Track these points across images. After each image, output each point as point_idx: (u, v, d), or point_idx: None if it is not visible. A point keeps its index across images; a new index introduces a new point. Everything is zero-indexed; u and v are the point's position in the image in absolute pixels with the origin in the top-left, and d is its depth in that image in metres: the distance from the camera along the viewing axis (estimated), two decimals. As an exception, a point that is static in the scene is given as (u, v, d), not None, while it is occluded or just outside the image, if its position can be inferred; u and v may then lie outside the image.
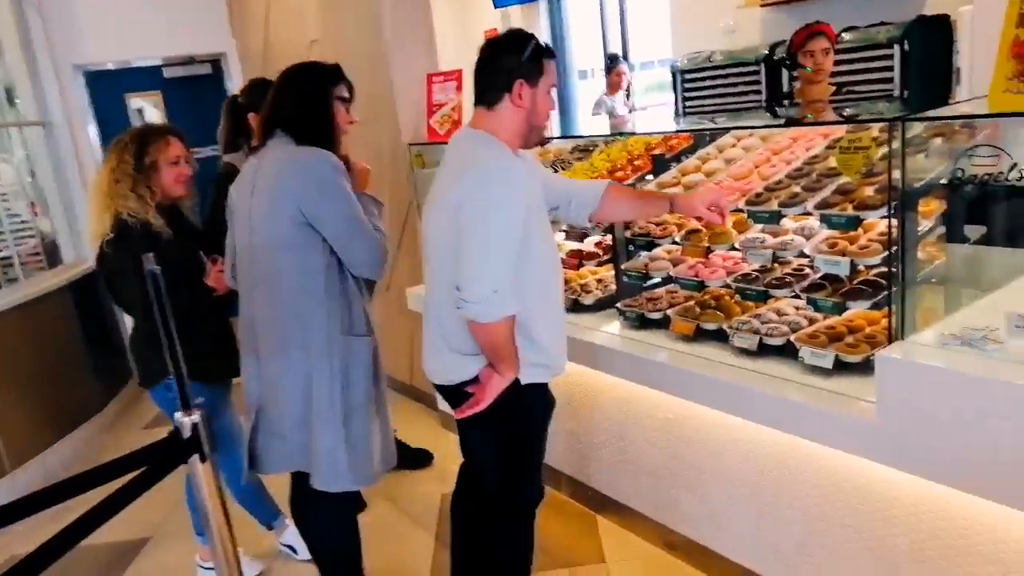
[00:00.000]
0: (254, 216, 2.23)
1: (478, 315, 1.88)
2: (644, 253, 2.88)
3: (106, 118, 5.42)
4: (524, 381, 2.02)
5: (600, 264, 3.18)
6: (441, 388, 2.15)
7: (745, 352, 2.38)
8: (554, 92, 2.08)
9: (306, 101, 2.24)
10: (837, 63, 3.38)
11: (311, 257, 2.20)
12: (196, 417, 1.52)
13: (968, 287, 2.08)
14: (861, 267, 2.18)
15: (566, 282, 3.21)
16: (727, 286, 2.58)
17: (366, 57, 3.93)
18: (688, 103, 4.98)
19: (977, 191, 1.91)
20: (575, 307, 3.05)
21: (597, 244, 3.23)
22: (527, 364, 2.00)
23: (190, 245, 2.59)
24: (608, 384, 2.83)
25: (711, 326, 2.53)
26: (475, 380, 2.00)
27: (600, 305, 3.00)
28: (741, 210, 2.48)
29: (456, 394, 2.06)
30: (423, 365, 2.16)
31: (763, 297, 2.40)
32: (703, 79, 4.81)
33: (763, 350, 2.35)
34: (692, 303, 2.67)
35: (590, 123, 5.65)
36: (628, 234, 2.87)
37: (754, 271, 2.51)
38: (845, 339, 2.16)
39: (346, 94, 2.32)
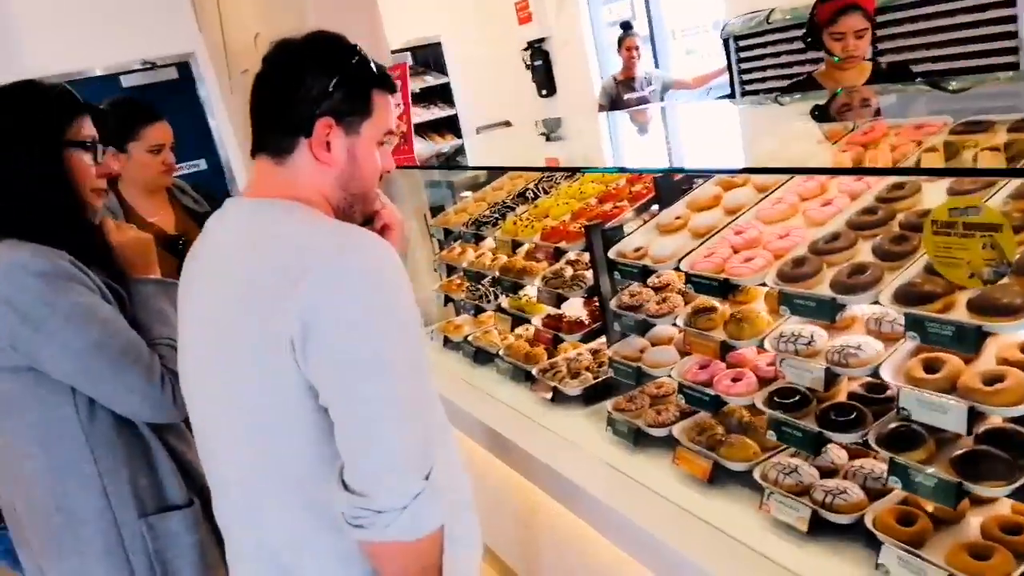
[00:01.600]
0: None
1: (404, 530, 1.06)
2: (635, 336, 1.94)
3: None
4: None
5: (587, 338, 2.25)
6: None
7: (787, 526, 1.45)
8: (389, 141, 1.23)
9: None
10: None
11: (55, 411, 1.41)
12: None
13: None
14: (992, 415, 1.21)
15: (539, 360, 2.32)
16: (754, 407, 1.63)
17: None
18: (745, 76, 3.90)
19: None
20: (555, 398, 2.17)
21: (586, 303, 2.30)
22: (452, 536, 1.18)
23: None
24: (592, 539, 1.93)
25: (738, 466, 1.61)
26: None
27: (591, 396, 2.10)
28: (766, 284, 1.53)
29: None
30: None
31: (813, 445, 1.45)
32: (761, 44, 3.72)
33: (818, 526, 1.42)
34: (710, 420, 1.74)
35: (591, 122, 4.54)
36: (615, 305, 1.95)
37: (798, 390, 1.55)
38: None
39: (92, 132, 1.47)
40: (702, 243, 1.78)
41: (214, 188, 5.47)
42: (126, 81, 4.91)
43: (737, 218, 1.84)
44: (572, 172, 2.54)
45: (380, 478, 1.04)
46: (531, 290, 2.41)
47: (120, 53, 4.83)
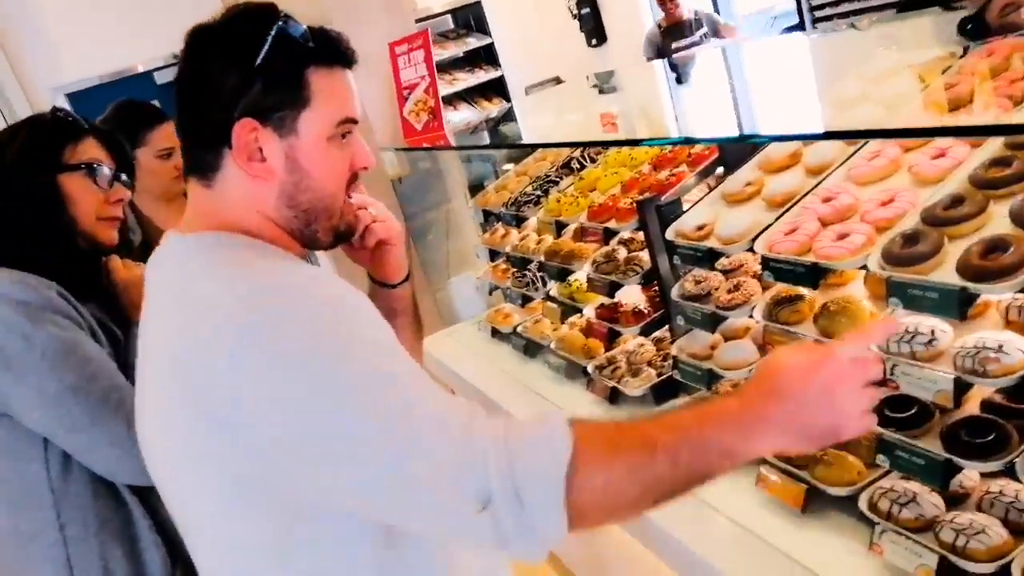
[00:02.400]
0: None
1: (523, 540, 0.77)
2: (705, 332, 1.63)
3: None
4: None
5: (647, 329, 1.94)
6: None
7: (902, 573, 1.16)
8: (356, 134, 0.95)
9: None
10: None
11: (25, 466, 1.23)
12: None
13: None
14: None
15: (595, 353, 2.04)
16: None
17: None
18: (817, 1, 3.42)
19: None
20: (613, 399, 1.91)
21: (645, 288, 1.99)
22: None
23: None
24: None
25: (838, 491, 1.31)
26: None
27: (657, 395, 1.82)
28: (868, 269, 1.20)
29: None
30: None
31: (941, 475, 1.13)
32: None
33: (946, 572, 1.12)
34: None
35: (639, 74, 4.09)
36: (677, 295, 1.65)
37: (916, 399, 1.22)
38: None
39: (95, 155, 1.33)
40: (781, 215, 1.46)
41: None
42: (160, 78, 4.78)
43: (823, 180, 1.50)
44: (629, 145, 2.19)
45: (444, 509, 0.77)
46: (582, 275, 2.13)
47: (151, 49, 4.71)
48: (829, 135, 1.46)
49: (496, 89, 6.87)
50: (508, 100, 6.71)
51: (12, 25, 4.48)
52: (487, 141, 6.70)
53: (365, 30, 2.68)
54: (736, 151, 1.78)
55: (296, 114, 0.88)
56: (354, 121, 0.93)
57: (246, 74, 0.86)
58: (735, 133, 1.69)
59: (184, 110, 0.90)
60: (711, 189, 1.80)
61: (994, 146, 1.26)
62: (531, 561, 0.78)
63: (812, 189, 1.47)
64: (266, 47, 0.85)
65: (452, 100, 6.65)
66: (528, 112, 5.89)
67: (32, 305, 1.20)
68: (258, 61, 0.85)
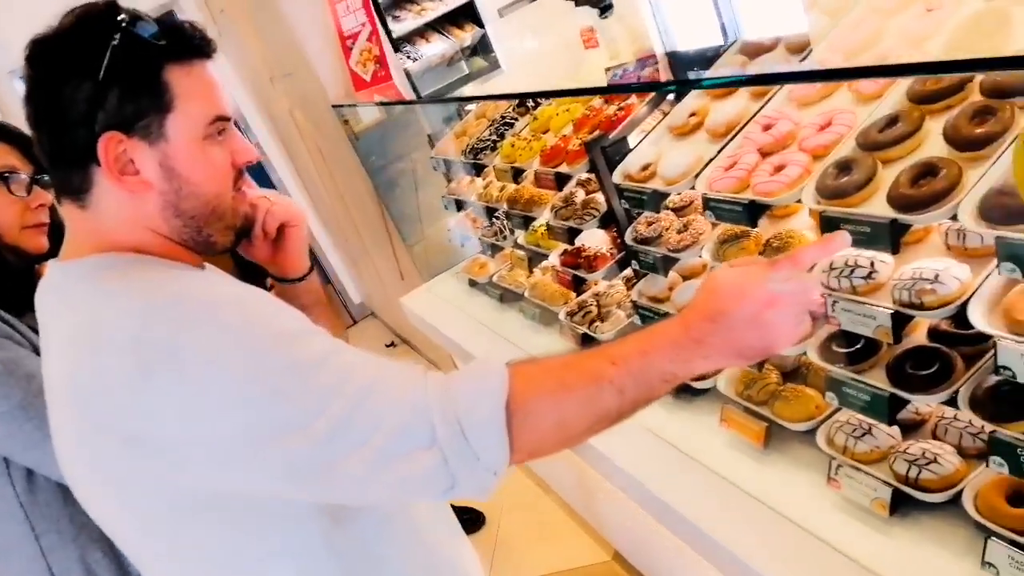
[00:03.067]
0: None
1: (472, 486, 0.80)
2: (658, 274, 1.59)
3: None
4: None
5: (619, 268, 1.90)
6: None
7: (858, 506, 1.16)
8: (232, 128, 0.89)
9: None
10: None
11: None
12: None
13: None
14: None
15: (567, 299, 2.02)
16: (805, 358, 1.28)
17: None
18: None
19: None
20: (585, 343, 1.89)
21: (608, 229, 1.94)
22: None
23: None
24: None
25: (797, 426, 1.30)
26: None
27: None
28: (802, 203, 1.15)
29: None
30: None
31: (886, 410, 1.10)
32: None
33: (903, 502, 1.12)
34: (764, 372, 1.41)
35: None
36: (630, 238, 1.60)
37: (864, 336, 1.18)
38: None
39: (6, 163, 1.27)
40: (721, 149, 1.40)
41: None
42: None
43: (766, 104, 1.43)
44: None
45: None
46: (544, 220, 2.08)
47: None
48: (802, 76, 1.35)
49: (468, 15, 6.61)
50: (481, 25, 6.45)
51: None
52: (464, 72, 6.46)
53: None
54: (689, 67, 1.69)
55: (162, 119, 0.83)
56: (226, 118, 0.88)
57: (98, 85, 0.79)
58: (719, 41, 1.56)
59: (40, 130, 0.84)
60: (664, 116, 1.72)
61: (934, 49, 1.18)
62: (481, 497, 0.80)
63: (753, 117, 1.40)
64: (112, 52, 0.79)
65: (424, 32, 6.39)
66: (503, 37, 5.66)
67: None
68: (106, 69, 0.79)
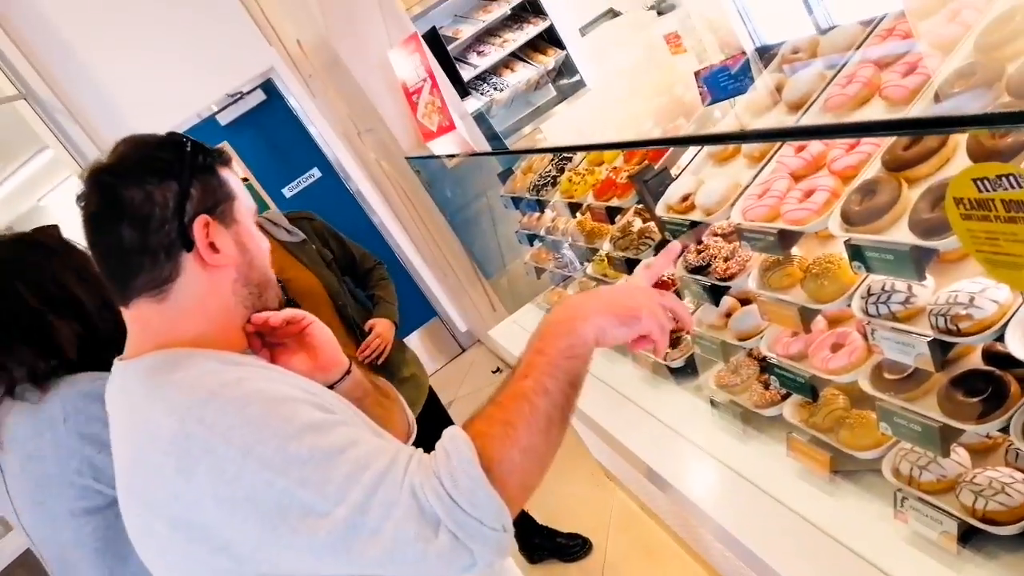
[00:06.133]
0: None
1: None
2: (708, 302, 1.56)
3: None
4: None
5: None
6: None
7: (927, 540, 1.09)
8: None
9: None
10: None
11: None
12: None
13: None
14: None
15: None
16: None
17: (326, 55, 2.91)
18: None
19: None
20: (655, 371, 1.89)
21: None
22: None
23: None
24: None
25: (865, 454, 1.25)
26: None
27: (695, 368, 1.78)
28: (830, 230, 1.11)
29: None
30: None
31: (938, 442, 1.04)
32: None
33: (973, 534, 1.05)
34: (830, 397, 1.36)
35: None
36: (681, 268, 1.59)
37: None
38: None
39: None
40: (756, 175, 1.37)
41: (333, 194, 5.49)
42: (223, 119, 5.05)
43: (801, 117, 1.38)
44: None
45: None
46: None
47: (208, 94, 4.96)
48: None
49: (549, 39, 6.67)
50: (562, 47, 6.50)
51: (75, 89, 4.79)
52: (552, 95, 6.49)
53: (372, 42, 2.71)
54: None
55: (230, 205, 1.00)
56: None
57: (184, 183, 0.96)
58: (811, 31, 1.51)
59: (120, 244, 0.95)
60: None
61: (964, 49, 1.11)
62: (500, 558, 0.84)
63: (787, 139, 1.36)
64: (188, 156, 0.96)
65: (508, 62, 6.53)
66: (587, 55, 5.67)
67: None
68: (189, 169, 0.96)
